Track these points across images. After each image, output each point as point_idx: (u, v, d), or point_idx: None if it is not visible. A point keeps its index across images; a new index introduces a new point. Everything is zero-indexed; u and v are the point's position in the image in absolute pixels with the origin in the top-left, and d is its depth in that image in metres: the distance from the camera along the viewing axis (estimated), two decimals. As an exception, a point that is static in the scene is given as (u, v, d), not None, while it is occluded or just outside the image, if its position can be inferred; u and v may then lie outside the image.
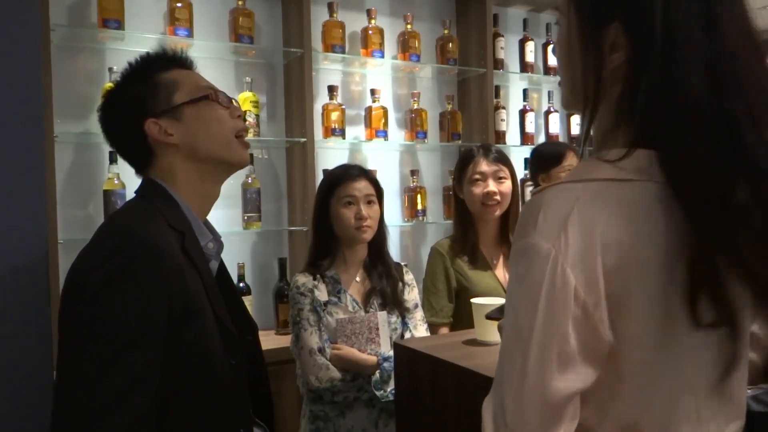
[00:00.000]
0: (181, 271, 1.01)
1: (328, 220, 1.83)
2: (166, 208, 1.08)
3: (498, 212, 1.98)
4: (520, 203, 2.09)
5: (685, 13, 0.71)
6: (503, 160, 2.00)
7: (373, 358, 1.72)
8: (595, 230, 0.70)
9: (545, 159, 2.44)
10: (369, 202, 1.83)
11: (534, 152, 2.57)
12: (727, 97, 0.70)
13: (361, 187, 1.82)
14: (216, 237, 1.18)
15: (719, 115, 0.69)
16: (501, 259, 2.04)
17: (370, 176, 1.88)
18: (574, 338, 0.70)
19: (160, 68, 1.15)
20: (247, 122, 2.48)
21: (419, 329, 1.87)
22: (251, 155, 2.53)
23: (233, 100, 1.21)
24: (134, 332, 0.94)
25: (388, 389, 1.68)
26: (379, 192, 1.88)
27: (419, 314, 1.90)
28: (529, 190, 2.84)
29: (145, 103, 1.12)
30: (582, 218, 0.71)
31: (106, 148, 2.28)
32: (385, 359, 1.70)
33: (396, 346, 1.56)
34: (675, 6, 0.72)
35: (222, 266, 1.22)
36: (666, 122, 0.71)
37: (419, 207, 2.91)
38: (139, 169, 1.17)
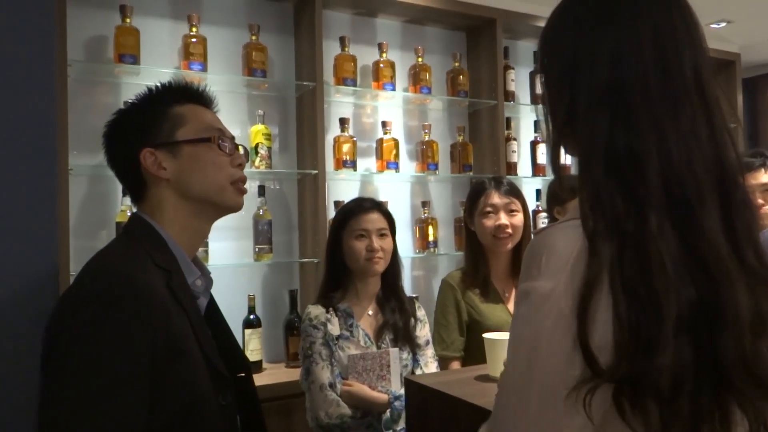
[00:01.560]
0: (166, 310, 0.98)
1: (340, 252, 1.83)
2: (151, 246, 1.06)
3: (510, 245, 1.96)
4: (532, 236, 2.08)
5: (635, 60, 0.74)
6: (515, 192, 1.99)
7: (384, 397, 1.69)
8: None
9: (568, 190, 2.43)
10: (381, 235, 1.82)
11: (550, 187, 2.57)
12: (636, 135, 0.72)
13: (374, 219, 1.82)
14: (204, 273, 1.15)
15: (627, 153, 0.71)
16: (513, 292, 2.01)
17: (383, 209, 1.88)
18: (574, 366, 0.67)
19: (174, 100, 1.13)
20: (259, 154, 2.50)
21: (430, 367, 1.84)
22: (263, 187, 2.54)
23: (240, 147, 1.18)
24: (118, 374, 0.91)
25: (398, 429, 1.64)
26: (392, 225, 1.88)
27: (430, 351, 1.88)
28: (542, 222, 2.82)
29: (147, 131, 1.10)
30: (585, 256, 0.69)
31: (120, 181, 2.30)
32: (396, 398, 1.67)
33: (407, 382, 1.54)
34: (626, 52, 0.74)
35: (212, 302, 1.18)
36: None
37: (430, 238, 2.89)
38: (135, 200, 1.15)
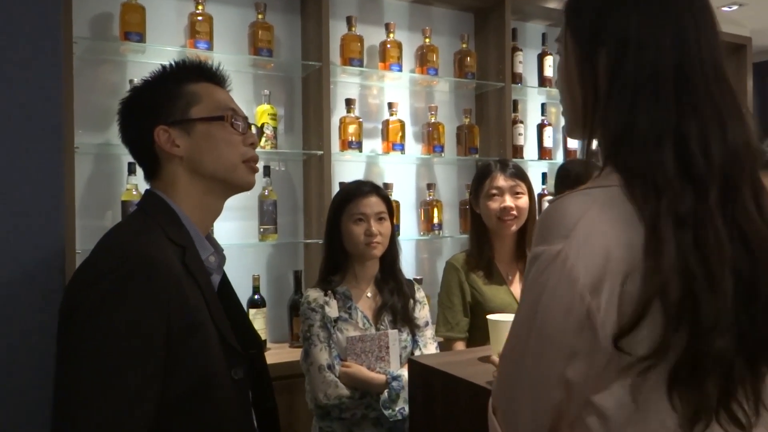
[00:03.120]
0: (180, 285, 0.99)
1: (338, 236, 1.83)
2: (165, 222, 1.07)
3: (514, 227, 1.96)
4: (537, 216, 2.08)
5: (656, 44, 0.77)
6: (520, 175, 1.98)
7: (382, 377, 1.70)
8: (608, 232, 0.72)
9: (574, 176, 2.50)
10: (380, 219, 1.82)
11: (561, 170, 2.60)
12: (683, 117, 0.75)
13: (372, 203, 1.82)
14: (218, 250, 1.16)
15: (676, 132, 0.75)
16: (516, 275, 2.02)
17: (381, 193, 1.87)
18: (572, 334, 0.73)
19: (188, 78, 1.14)
20: (264, 134, 2.50)
21: (429, 348, 1.85)
22: (268, 167, 2.54)
23: (252, 126, 1.19)
24: (131, 349, 0.92)
25: (397, 408, 1.66)
26: (390, 209, 1.88)
27: (429, 332, 1.89)
28: (546, 204, 2.82)
29: (162, 109, 1.10)
30: (595, 219, 0.73)
31: (126, 159, 2.30)
32: (394, 378, 1.68)
33: (411, 363, 1.55)
34: (646, 36, 0.77)
35: (225, 280, 1.20)
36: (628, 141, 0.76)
37: (435, 221, 2.89)
38: (148, 178, 1.16)
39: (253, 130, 1.19)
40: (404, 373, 1.70)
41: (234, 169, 1.12)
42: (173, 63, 1.16)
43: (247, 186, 1.16)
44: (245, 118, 1.16)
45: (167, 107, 1.10)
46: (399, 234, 2.53)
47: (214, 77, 1.18)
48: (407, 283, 1.90)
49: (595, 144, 0.84)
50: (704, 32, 0.78)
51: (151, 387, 0.94)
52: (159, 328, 0.95)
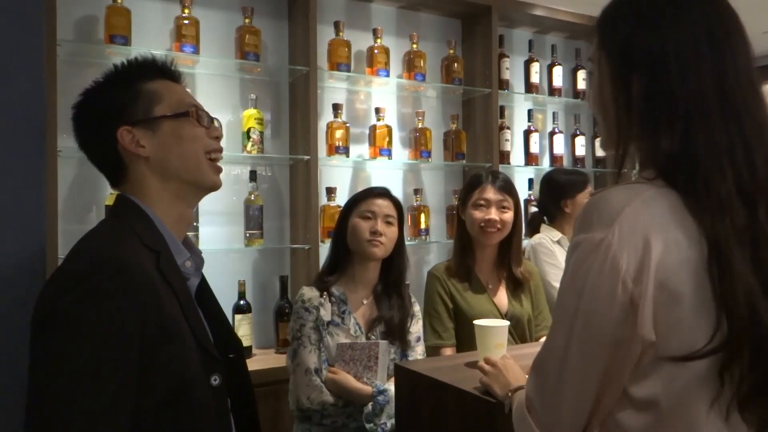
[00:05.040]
0: (155, 291, 0.97)
1: (344, 232, 1.83)
2: (139, 227, 1.04)
3: (495, 240, 2.00)
4: (523, 231, 2.11)
5: (696, 68, 0.79)
6: (509, 189, 2.02)
7: (368, 389, 1.68)
8: (652, 223, 0.75)
9: (571, 185, 2.57)
10: (388, 222, 1.82)
11: (552, 180, 2.65)
12: (744, 131, 0.78)
13: (383, 205, 1.83)
14: (195, 253, 1.13)
15: (728, 152, 0.77)
16: (497, 285, 2.05)
17: (394, 199, 1.88)
18: (616, 322, 0.75)
19: (145, 77, 1.11)
20: (251, 139, 2.48)
21: None
22: (254, 172, 2.53)
23: (215, 120, 1.18)
24: (107, 355, 0.91)
25: (379, 423, 1.64)
26: (401, 216, 1.88)
27: (420, 348, 1.88)
28: (532, 210, 2.84)
29: (123, 109, 1.07)
30: (639, 211, 0.76)
31: (110, 163, 2.28)
32: (380, 392, 1.66)
33: (397, 369, 1.54)
34: (686, 58, 0.79)
35: (204, 283, 1.18)
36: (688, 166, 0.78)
37: (422, 226, 2.89)
38: (113, 182, 1.13)
39: (216, 124, 1.18)
40: (390, 387, 1.68)
41: (198, 165, 1.10)
42: (126, 62, 1.13)
43: (212, 185, 1.13)
44: (206, 113, 1.15)
45: (128, 107, 1.07)
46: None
47: (169, 73, 1.15)
48: (409, 301, 1.89)
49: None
50: (738, 49, 0.80)
51: (127, 394, 0.92)
52: (133, 336, 0.93)
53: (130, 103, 1.08)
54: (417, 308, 1.93)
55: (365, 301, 1.84)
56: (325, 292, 1.79)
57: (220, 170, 1.15)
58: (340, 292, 1.80)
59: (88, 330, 0.91)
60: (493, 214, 1.96)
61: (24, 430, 0.90)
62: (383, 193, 1.86)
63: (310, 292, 1.80)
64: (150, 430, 0.95)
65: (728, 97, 0.79)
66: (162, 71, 1.14)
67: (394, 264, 1.86)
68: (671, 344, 0.74)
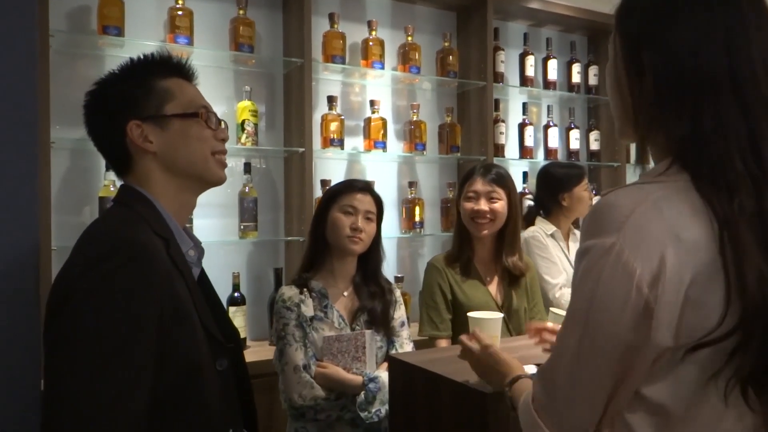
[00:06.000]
0: (169, 275, 1.00)
1: (323, 226, 1.82)
2: (148, 214, 1.07)
3: (486, 231, 2.01)
4: (519, 222, 2.12)
5: (707, 49, 0.78)
6: (500, 181, 2.03)
7: (359, 379, 1.69)
8: (666, 224, 0.74)
9: (567, 179, 2.58)
10: (368, 218, 1.82)
11: (549, 173, 2.65)
12: (753, 117, 0.77)
13: (364, 201, 1.82)
14: (196, 244, 1.16)
15: (737, 134, 0.77)
16: (494, 276, 2.07)
17: (375, 194, 1.88)
18: (627, 327, 0.74)
19: (160, 74, 1.13)
20: (245, 131, 2.48)
21: (405, 348, 1.86)
22: (249, 164, 2.52)
23: (223, 122, 1.20)
24: (125, 338, 0.92)
25: (373, 410, 1.65)
26: (380, 212, 1.88)
27: (405, 332, 1.89)
28: (527, 204, 2.85)
29: (134, 104, 1.09)
30: (650, 215, 0.74)
31: (103, 155, 2.27)
32: (371, 380, 1.67)
33: (391, 360, 1.55)
34: (697, 41, 0.79)
35: (203, 274, 1.20)
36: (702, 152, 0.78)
37: (417, 219, 2.90)
38: (118, 172, 1.15)
39: (223, 125, 1.20)
40: (381, 374, 1.69)
41: (205, 163, 1.13)
42: (142, 57, 1.16)
43: (218, 181, 1.16)
44: (215, 114, 1.17)
45: (140, 102, 1.10)
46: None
47: (183, 72, 1.18)
48: (388, 288, 1.90)
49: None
50: (754, 33, 0.80)
51: (145, 376, 0.94)
52: (152, 316, 0.95)
53: (142, 98, 1.10)
54: (398, 293, 1.94)
55: (345, 293, 1.85)
56: (304, 289, 1.79)
57: (225, 166, 1.18)
58: (319, 286, 1.81)
59: (110, 310, 0.92)
60: (482, 204, 1.99)
61: (44, 404, 0.91)
62: (364, 188, 1.86)
63: (289, 291, 1.80)
64: (162, 413, 0.97)
65: (740, 79, 0.78)
66: (177, 70, 1.16)
67: (371, 258, 1.87)
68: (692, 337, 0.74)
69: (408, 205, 2.92)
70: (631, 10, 0.86)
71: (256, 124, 2.52)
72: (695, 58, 0.78)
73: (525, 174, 3.19)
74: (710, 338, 0.72)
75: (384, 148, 2.80)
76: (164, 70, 1.15)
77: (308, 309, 1.77)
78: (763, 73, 0.79)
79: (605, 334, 0.75)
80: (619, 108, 0.89)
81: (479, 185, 2.02)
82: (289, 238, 2.64)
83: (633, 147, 3.42)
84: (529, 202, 2.84)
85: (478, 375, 1.24)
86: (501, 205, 2.00)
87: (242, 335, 2.44)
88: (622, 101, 0.87)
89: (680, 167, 0.78)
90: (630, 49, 0.84)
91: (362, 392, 1.66)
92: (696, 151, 0.77)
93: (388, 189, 2.93)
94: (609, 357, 0.76)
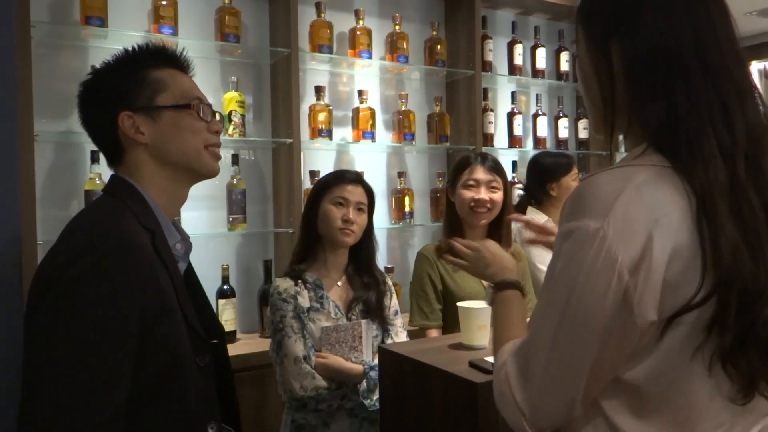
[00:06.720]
0: (153, 268, 0.99)
1: (315, 218, 1.82)
2: (135, 206, 1.06)
3: (485, 220, 2.01)
4: (512, 211, 2.12)
5: (673, 32, 0.80)
6: (498, 170, 2.03)
7: (360, 367, 1.69)
8: (648, 210, 0.74)
9: (556, 168, 2.58)
10: (359, 210, 1.81)
11: (538, 163, 2.65)
12: (725, 92, 0.79)
13: (356, 192, 1.82)
14: (184, 238, 1.16)
15: (709, 111, 0.78)
16: None
17: (366, 186, 1.88)
18: (608, 313, 0.74)
19: (153, 64, 1.12)
20: (232, 122, 2.45)
21: (400, 336, 1.86)
22: (236, 156, 2.50)
23: (217, 114, 1.19)
24: (107, 329, 0.92)
25: (375, 398, 1.65)
26: (371, 204, 1.87)
27: (399, 321, 1.89)
28: (517, 193, 2.85)
29: (126, 94, 1.09)
30: (633, 199, 0.75)
31: (88, 148, 2.24)
32: (372, 368, 1.68)
33: (381, 351, 1.54)
34: (662, 25, 0.80)
35: (190, 268, 1.20)
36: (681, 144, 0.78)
37: (406, 209, 2.89)
38: (111, 163, 1.15)
39: (218, 117, 1.19)
40: None
41: (198, 155, 1.12)
42: (136, 47, 1.14)
43: (212, 173, 1.15)
44: (210, 106, 1.16)
45: (132, 93, 1.09)
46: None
47: (178, 63, 1.17)
48: (382, 279, 1.90)
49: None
50: (717, 14, 0.81)
51: (126, 369, 0.93)
52: (134, 310, 0.94)
53: (135, 89, 1.09)
54: (390, 283, 1.94)
55: (339, 283, 1.85)
56: (299, 280, 1.79)
57: (219, 158, 1.17)
58: (314, 278, 1.80)
59: (91, 302, 0.92)
60: (483, 193, 1.98)
61: (22, 397, 0.90)
62: (355, 179, 1.85)
63: (284, 283, 1.79)
64: (144, 405, 0.97)
65: (708, 58, 0.79)
66: (171, 60, 1.15)
67: (363, 249, 1.87)
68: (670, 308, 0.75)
69: (397, 196, 2.91)
70: (595, 2, 0.87)
71: (243, 115, 2.50)
72: (663, 39, 0.79)
73: (514, 163, 3.19)
74: (689, 305, 0.73)
75: (373, 138, 2.79)
76: (158, 60, 1.13)
77: (304, 300, 1.76)
78: (731, 53, 0.80)
79: (586, 318, 0.76)
80: (591, 101, 0.89)
81: (480, 174, 2.00)
82: (279, 230, 2.63)
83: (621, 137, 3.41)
84: (518, 191, 2.84)
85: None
86: (499, 196, 2.01)
87: (232, 328, 2.43)
88: (592, 95, 0.88)
89: (656, 149, 0.79)
90: (598, 41, 0.85)
91: (364, 381, 1.67)
92: (672, 131, 0.78)
93: (377, 179, 2.91)
94: (588, 341, 0.76)
